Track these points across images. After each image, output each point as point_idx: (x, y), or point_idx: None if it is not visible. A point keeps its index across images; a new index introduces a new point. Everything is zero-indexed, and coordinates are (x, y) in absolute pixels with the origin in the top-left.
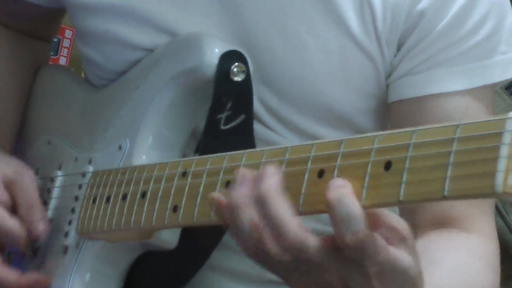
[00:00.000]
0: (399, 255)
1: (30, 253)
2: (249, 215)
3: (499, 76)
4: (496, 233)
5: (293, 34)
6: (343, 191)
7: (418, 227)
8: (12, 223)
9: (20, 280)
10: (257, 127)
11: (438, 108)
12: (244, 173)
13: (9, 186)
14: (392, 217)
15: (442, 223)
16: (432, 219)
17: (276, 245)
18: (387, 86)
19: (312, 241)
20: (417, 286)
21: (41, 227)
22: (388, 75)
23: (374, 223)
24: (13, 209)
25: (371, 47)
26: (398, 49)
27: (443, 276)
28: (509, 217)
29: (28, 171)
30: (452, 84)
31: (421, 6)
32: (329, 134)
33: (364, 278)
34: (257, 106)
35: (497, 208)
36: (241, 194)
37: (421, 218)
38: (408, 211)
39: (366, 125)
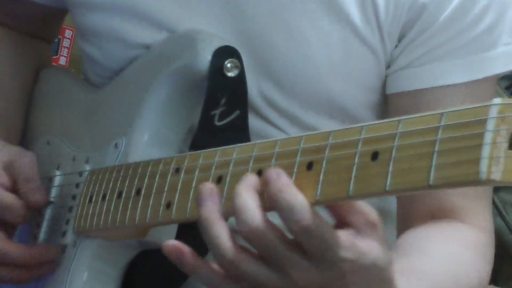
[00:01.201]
0: (368, 246)
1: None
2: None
3: (502, 67)
4: (492, 225)
5: (295, 28)
6: (280, 184)
7: (414, 219)
8: (7, 196)
9: (26, 251)
10: (258, 123)
11: (436, 102)
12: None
13: (9, 169)
14: (362, 205)
15: (437, 216)
16: (427, 212)
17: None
18: (386, 77)
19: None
20: (388, 273)
21: (37, 196)
22: (387, 67)
23: (345, 212)
24: (13, 191)
25: (373, 39)
26: (399, 40)
27: (430, 265)
28: (509, 217)
29: (28, 153)
30: (453, 77)
31: None
32: (332, 128)
33: (339, 277)
34: (259, 101)
35: (497, 208)
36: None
37: (417, 211)
38: (404, 204)
39: (368, 120)
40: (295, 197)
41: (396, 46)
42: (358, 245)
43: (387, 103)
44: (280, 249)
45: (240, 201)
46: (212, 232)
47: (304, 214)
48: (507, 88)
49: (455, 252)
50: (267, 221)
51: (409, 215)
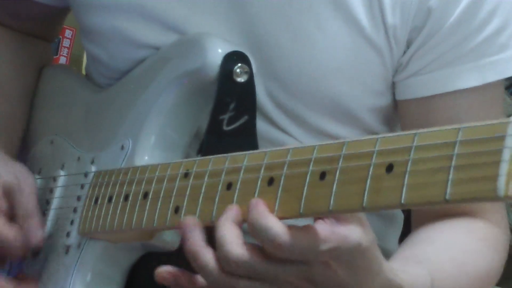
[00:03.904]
0: (349, 231)
1: (29, 256)
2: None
3: None
4: (506, 221)
5: (300, 28)
6: (255, 212)
7: (428, 218)
8: (8, 232)
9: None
10: (263, 125)
11: (446, 107)
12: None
13: (9, 194)
14: None
15: (451, 213)
16: (441, 210)
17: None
18: (393, 83)
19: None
20: (373, 253)
21: (38, 237)
22: (395, 73)
23: None
24: (12, 217)
25: (379, 41)
26: (408, 47)
27: (434, 252)
28: (509, 217)
29: (29, 178)
30: (464, 81)
31: (430, 4)
32: (336, 130)
33: (324, 268)
34: (265, 101)
35: None
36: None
37: (430, 210)
38: None
39: (372, 123)
40: (269, 221)
41: (404, 52)
42: (337, 232)
43: (397, 109)
44: (267, 267)
45: (219, 234)
46: (200, 261)
47: (276, 233)
48: (507, 88)
49: (462, 241)
50: (247, 249)
51: (423, 215)
